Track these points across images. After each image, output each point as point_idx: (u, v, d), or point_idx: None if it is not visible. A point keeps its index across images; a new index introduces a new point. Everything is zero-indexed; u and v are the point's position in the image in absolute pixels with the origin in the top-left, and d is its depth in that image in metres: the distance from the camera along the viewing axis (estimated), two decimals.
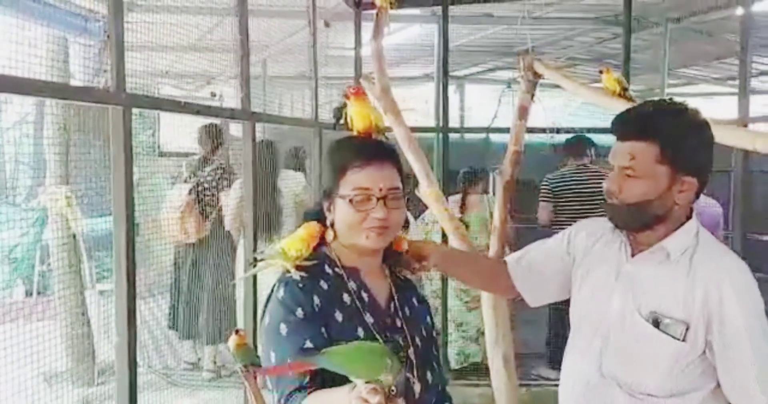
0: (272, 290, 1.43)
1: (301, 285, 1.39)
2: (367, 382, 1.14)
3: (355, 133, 1.63)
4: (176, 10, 3.02)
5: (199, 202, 4.16)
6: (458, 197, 4.76)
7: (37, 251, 5.45)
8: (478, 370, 4.17)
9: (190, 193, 4.17)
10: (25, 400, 2.70)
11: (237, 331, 1.82)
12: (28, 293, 5.64)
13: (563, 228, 5.11)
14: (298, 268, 1.42)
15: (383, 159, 1.45)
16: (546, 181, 4.70)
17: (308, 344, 1.31)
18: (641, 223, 1.52)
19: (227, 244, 4.22)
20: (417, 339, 1.47)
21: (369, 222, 1.40)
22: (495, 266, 1.88)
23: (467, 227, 4.51)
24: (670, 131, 1.47)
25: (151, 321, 4.42)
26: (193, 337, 4.40)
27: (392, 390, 1.13)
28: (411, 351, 1.43)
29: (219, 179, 4.24)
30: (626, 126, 1.52)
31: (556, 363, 4.58)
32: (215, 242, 4.21)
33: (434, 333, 1.58)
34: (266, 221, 3.85)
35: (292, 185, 4.23)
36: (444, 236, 3.47)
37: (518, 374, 4.46)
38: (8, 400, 2.66)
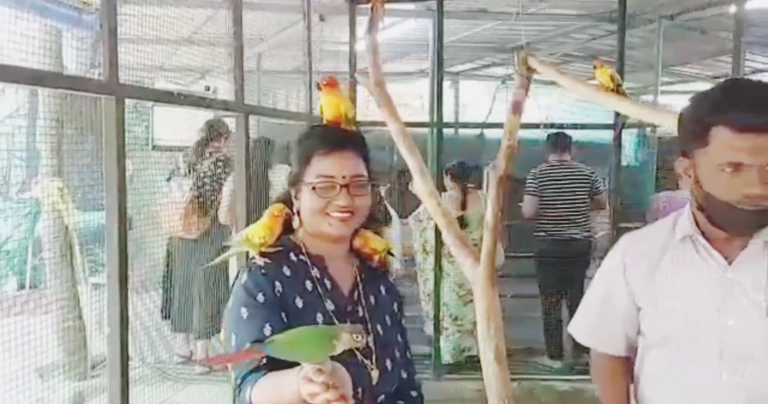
0: (237, 276, 1.47)
1: (263, 271, 1.42)
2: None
3: (324, 122, 1.68)
4: (171, 1, 3.00)
5: (200, 197, 4.17)
6: (453, 193, 4.76)
7: (29, 244, 5.43)
8: (474, 364, 4.19)
9: (191, 189, 4.18)
10: (18, 394, 2.69)
11: None
12: (21, 286, 5.63)
13: (547, 223, 5.06)
14: (263, 255, 1.45)
15: (347, 147, 1.48)
16: (532, 175, 4.75)
17: (267, 328, 1.34)
18: None
19: (224, 238, 4.22)
20: (378, 327, 1.50)
21: (332, 208, 1.43)
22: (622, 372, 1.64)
23: (466, 224, 4.53)
24: None
25: (144, 315, 4.41)
26: (186, 330, 4.40)
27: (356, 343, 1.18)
28: (370, 338, 1.45)
29: (219, 173, 4.23)
30: None
31: (553, 351, 4.65)
32: (215, 237, 4.22)
33: (401, 322, 1.61)
34: (257, 214, 3.85)
35: (284, 179, 4.21)
36: (438, 232, 3.47)
37: (520, 368, 4.55)
38: (1, 393, 2.66)
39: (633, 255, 1.53)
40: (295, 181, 1.49)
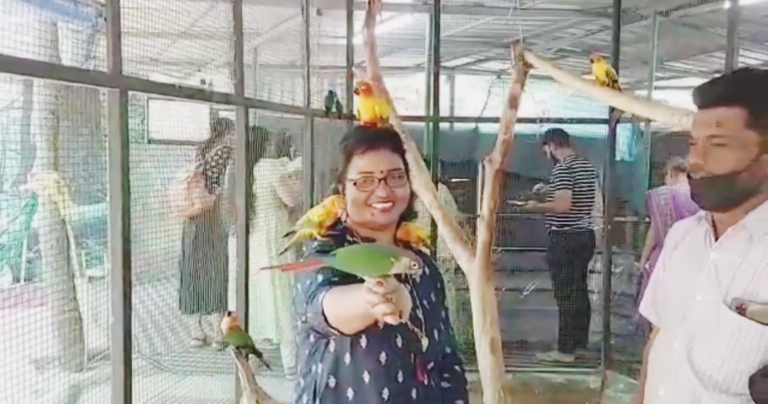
0: (305, 255, 1.66)
1: (329, 243, 1.61)
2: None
3: (362, 123, 1.91)
4: None
5: (205, 176, 4.45)
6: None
7: (24, 237, 5.42)
8: (470, 355, 4.22)
9: (197, 168, 4.42)
10: (15, 386, 2.70)
11: (230, 313, 1.85)
12: (15, 280, 5.62)
13: (578, 216, 5.05)
14: (323, 236, 1.65)
15: (383, 145, 1.64)
16: (562, 169, 4.77)
17: (334, 278, 1.47)
18: (729, 199, 1.40)
19: (224, 224, 4.43)
20: (425, 302, 1.66)
21: (372, 199, 1.60)
22: None
23: None
24: (758, 94, 1.38)
25: (140, 308, 4.42)
26: (199, 311, 4.50)
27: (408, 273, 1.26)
28: (420, 311, 1.61)
29: (225, 158, 4.46)
30: (710, 92, 1.42)
31: (566, 347, 4.70)
32: (217, 217, 4.45)
33: (444, 301, 1.75)
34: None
35: (268, 173, 4.24)
36: (433, 225, 3.50)
37: (533, 359, 4.59)
38: None
39: (668, 239, 1.63)
40: (340, 178, 1.66)
